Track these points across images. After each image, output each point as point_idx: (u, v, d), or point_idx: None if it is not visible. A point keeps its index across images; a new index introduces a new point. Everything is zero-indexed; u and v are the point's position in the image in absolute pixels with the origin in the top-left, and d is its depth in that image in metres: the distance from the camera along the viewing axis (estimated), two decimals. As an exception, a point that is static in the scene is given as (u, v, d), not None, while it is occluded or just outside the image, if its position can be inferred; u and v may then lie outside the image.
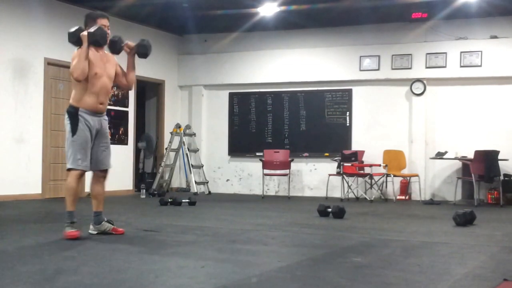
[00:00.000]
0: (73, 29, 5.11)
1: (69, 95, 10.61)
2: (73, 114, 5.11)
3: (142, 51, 5.47)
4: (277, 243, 5.16)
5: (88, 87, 5.09)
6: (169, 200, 8.58)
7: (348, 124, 11.30)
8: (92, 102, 5.12)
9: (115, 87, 9.71)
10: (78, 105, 5.11)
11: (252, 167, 11.76)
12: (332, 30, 11.41)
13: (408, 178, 10.64)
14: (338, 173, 10.58)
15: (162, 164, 11.67)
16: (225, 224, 6.44)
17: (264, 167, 10.99)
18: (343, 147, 10.96)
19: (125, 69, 5.49)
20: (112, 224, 5.30)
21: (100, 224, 5.23)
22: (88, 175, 5.41)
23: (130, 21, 11.16)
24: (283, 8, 10.10)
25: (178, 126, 11.91)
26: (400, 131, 10.96)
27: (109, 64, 5.29)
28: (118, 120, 10.92)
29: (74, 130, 5.08)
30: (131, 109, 11.31)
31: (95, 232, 5.24)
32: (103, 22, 5.23)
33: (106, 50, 5.38)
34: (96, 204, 5.26)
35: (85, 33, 5.05)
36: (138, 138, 11.84)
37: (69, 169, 5.08)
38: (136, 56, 5.50)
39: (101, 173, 5.33)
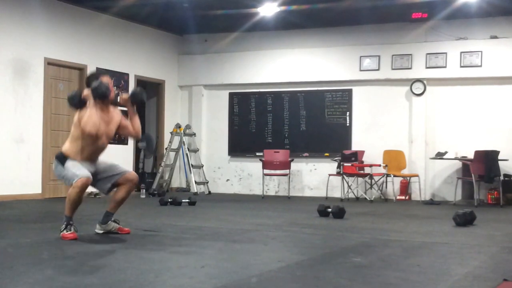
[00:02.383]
0: (71, 93, 5.13)
1: (69, 95, 10.58)
2: (62, 158, 5.03)
3: (134, 100, 5.34)
4: (277, 243, 5.16)
5: (85, 144, 5.02)
6: (169, 200, 8.58)
7: (348, 124, 11.29)
8: (84, 157, 5.05)
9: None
10: (68, 155, 5.02)
11: (252, 167, 11.75)
12: (332, 30, 11.40)
13: (408, 178, 10.64)
14: (338, 173, 10.58)
15: (162, 164, 11.67)
16: (225, 224, 6.43)
17: (264, 167, 10.99)
18: (343, 147, 10.96)
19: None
20: (118, 224, 5.30)
21: (106, 224, 5.23)
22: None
23: (130, 21, 11.16)
24: (283, 8, 10.09)
25: (178, 126, 11.91)
26: (400, 131, 10.96)
27: (111, 124, 5.19)
28: (118, 120, 10.90)
29: (63, 164, 5.01)
30: (131, 109, 11.30)
31: (101, 232, 5.24)
32: (105, 79, 5.16)
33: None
34: (112, 206, 5.23)
35: (86, 91, 5.02)
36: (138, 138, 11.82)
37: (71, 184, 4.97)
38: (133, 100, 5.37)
39: (129, 178, 5.22)
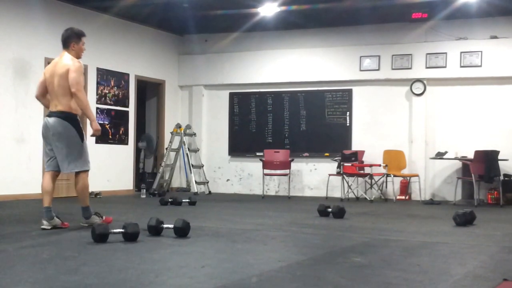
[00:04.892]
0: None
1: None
2: (78, 121, 5.62)
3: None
4: (277, 243, 5.17)
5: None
6: (169, 200, 8.59)
7: (348, 124, 11.30)
8: (78, 108, 5.63)
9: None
10: (75, 112, 5.61)
11: (252, 167, 11.76)
12: (332, 30, 11.41)
13: (408, 178, 10.65)
14: (338, 173, 10.58)
15: (163, 164, 11.68)
16: (225, 224, 6.44)
17: (264, 167, 10.99)
18: (343, 147, 10.97)
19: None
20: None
21: (53, 219, 5.63)
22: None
23: (130, 21, 11.17)
24: (283, 8, 10.10)
25: (178, 126, 11.92)
26: (400, 131, 10.96)
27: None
28: (118, 120, 10.92)
29: (82, 136, 5.60)
30: (131, 109, 11.32)
31: (49, 227, 5.59)
32: (84, 40, 5.84)
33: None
34: (49, 200, 5.63)
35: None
36: (138, 138, 11.84)
37: (84, 171, 5.65)
38: None
39: (58, 172, 5.77)
